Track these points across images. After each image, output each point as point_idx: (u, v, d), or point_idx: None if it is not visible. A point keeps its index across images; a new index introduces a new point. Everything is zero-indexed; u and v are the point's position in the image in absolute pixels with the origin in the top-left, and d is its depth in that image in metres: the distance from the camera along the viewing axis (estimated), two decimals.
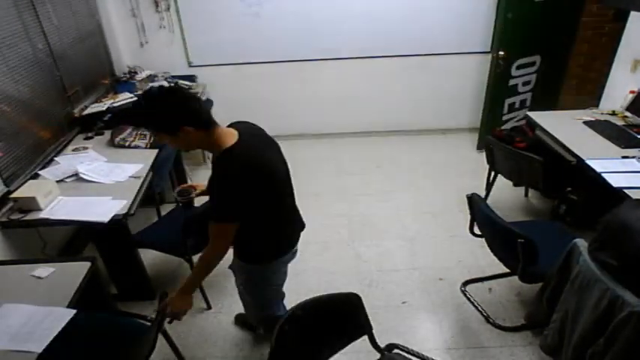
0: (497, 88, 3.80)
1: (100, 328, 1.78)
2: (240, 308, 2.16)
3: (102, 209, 2.12)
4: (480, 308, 2.37)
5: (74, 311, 1.56)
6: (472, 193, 2.24)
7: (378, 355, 1.65)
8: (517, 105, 4.06)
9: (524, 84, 3.96)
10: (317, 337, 1.53)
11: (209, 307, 2.44)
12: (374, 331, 1.61)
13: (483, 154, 3.04)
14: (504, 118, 4.04)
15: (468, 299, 2.44)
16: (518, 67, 3.81)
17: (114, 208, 2.13)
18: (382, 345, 1.66)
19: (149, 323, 1.75)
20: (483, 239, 2.83)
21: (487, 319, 2.31)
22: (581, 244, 1.60)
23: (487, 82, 3.78)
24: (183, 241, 2.16)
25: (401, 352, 1.65)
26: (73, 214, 2.11)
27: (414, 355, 1.62)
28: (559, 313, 1.67)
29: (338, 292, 1.57)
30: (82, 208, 2.14)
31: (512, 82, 3.86)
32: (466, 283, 2.54)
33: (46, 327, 1.50)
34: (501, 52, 3.60)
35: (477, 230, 2.36)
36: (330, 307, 1.55)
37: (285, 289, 1.77)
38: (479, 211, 2.16)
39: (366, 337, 1.63)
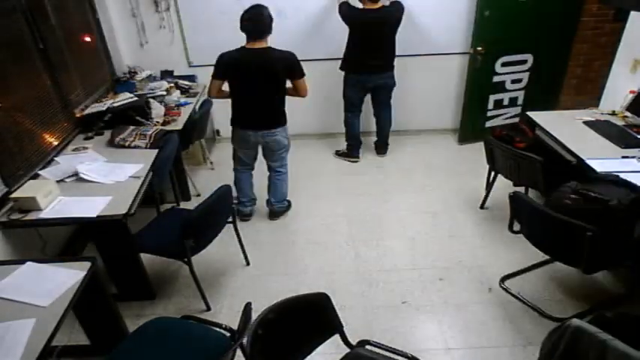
0: (478, 83, 3.90)
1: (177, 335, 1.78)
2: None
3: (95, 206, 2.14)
4: (526, 301, 2.38)
5: (34, 320, 1.49)
6: (514, 192, 2.23)
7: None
8: (506, 102, 4.13)
9: (514, 82, 4.03)
10: (291, 338, 1.54)
11: (208, 309, 2.43)
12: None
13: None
14: (489, 114, 4.13)
15: (510, 293, 2.45)
16: (504, 65, 3.89)
17: (102, 204, 2.15)
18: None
19: (224, 331, 1.78)
20: (483, 240, 2.87)
21: (538, 311, 2.31)
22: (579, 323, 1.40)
23: (466, 77, 3.91)
24: (182, 242, 2.16)
25: (372, 348, 1.65)
26: (70, 213, 2.12)
27: (385, 350, 1.63)
28: None
29: (307, 293, 1.59)
30: (81, 208, 2.15)
31: (496, 78, 3.95)
32: (504, 278, 2.54)
33: (10, 343, 1.41)
34: (479, 48, 3.71)
35: (516, 227, 2.36)
36: (301, 308, 1.56)
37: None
38: (527, 206, 2.15)
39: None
